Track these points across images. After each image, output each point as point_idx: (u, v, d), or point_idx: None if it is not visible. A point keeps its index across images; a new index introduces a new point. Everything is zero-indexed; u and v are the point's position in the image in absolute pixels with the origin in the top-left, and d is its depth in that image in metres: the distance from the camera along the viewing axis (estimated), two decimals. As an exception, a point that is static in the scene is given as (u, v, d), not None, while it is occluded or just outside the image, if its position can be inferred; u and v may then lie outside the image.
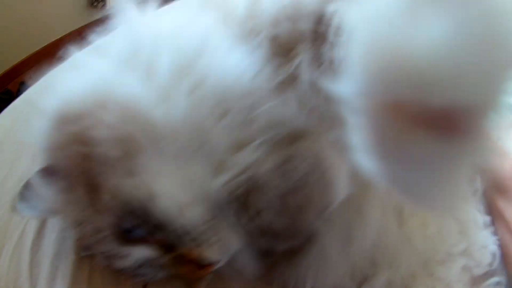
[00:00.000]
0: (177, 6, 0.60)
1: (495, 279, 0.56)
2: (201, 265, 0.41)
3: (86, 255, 0.49)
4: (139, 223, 0.39)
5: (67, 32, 1.95)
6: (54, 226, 0.54)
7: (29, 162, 0.59)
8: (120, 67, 0.43)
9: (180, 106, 0.39)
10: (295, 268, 0.49)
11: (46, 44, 1.99)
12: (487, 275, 0.56)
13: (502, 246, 0.57)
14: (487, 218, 0.57)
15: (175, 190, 0.39)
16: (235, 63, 0.38)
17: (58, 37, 1.96)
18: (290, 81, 0.39)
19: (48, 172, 0.44)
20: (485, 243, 0.57)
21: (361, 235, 0.48)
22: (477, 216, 0.57)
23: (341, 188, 0.42)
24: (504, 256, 0.57)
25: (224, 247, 0.41)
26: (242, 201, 0.40)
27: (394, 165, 0.24)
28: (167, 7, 0.59)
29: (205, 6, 0.45)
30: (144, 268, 0.43)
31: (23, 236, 0.54)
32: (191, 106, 0.39)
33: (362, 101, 0.23)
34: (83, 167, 0.40)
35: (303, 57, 0.38)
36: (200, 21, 0.43)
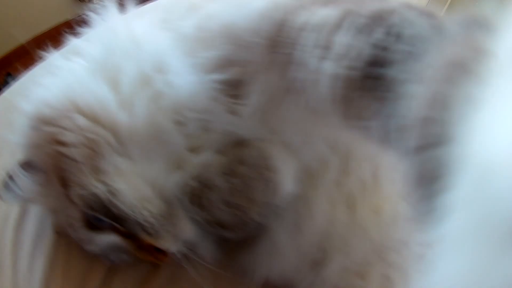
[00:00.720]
0: (149, 11, 0.62)
1: None
2: (158, 252, 0.47)
3: (63, 236, 0.55)
4: (104, 215, 0.45)
5: (54, 25, 1.96)
6: (36, 209, 0.59)
7: (9, 157, 0.62)
8: (93, 72, 0.48)
9: (141, 113, 0.44)
10: (249, 256, 0.55)
11: (33, 36, 1.99)
12: None
13: None
14: None
15: (135, 186, 0.44)
16: (188, 80, 0.43)
17: (46, 30, 1.98)
18: (240, 96, 0.43)
19: (27, 166, 0.50)
20: None
21: (309, 225, 0.52)
22: None
23: (285, 188, 0.47)
24: None
25: (177, 237, 0.47)
26: (194, 197, 0.46)
27: None
28: (142, 9, 0.63)
29: (165, 23, 0.49)
30: (110, 252, 0.49)
31: (7, 219, 0.60)
32: (151, 114, 0.44)
33: None
34: (56, 164, 0.45)
35: (254, 77, 0.41)
36: (160, 37, 0.47)
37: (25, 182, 0.49)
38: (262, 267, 0.55)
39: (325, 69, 0.32)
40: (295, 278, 0.57)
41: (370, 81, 0.29)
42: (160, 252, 0.47)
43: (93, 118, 0.45)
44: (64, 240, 0.57)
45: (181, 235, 0.47)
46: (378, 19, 0.30)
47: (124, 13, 0.54)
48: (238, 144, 0.46)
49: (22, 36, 1.97)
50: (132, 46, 0.47)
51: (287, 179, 0.47)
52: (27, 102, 0.49)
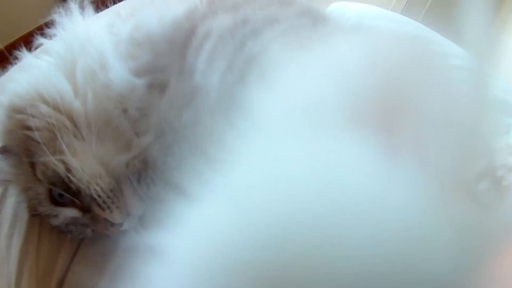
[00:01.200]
0: (107, 14, 0.69)
1: None
2: (110, 224, 0.54)
3: (36, 215, 0.62)
4: (64, 190, 0.52)
5: (36, 27, 2.00)
6: (13, 193, 0.67)
7: None
8: (56, 67, 0.56)
9: (92, 101, 0.52)
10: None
11: (15, 38, 2.04)
12: None
13: None
14: None
15: (88, 164, 0.51)
16: (123, 77, 0.51)
17: (26, 32, 2.01)
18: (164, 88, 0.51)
19: (4, 150, 0.58)
20: None
21: None
22: None
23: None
24: None
25: (126, 211, 0.54)
26: (139, 176, 0.53)
27: None
28: (103, 13, 0.72)
29: (111, 27, 0.57)
30: (71, 226, 0.57)
31: None
32: (101, 102, 0.52)
33: None
34: (25, 147, 0.53)
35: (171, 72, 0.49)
36: (105, 39, 0.55)
37: (2, 164, 0.57)
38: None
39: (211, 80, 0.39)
40: None
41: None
42: (112, 226, 0.54)
43: (54, 106, 0.52)
44: (37, 221, 0.65)
45: (129, 209, 0.54)
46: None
47: (86, 16, 0.62)
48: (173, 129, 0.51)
49: (3, 38, 2.00)
50: (87, 44, 0.55)
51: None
52: (2, 95, 0.57)
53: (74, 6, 0.63)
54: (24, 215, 0.66)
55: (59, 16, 0.61)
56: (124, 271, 0.62)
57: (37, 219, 0.65)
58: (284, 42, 0.39)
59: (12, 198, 0.67)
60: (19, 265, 0.63)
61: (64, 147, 0.51)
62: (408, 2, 1.97)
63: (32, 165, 0.53)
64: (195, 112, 0.47)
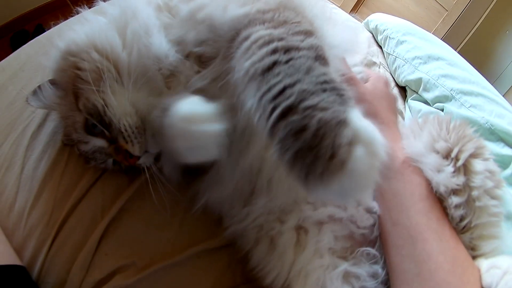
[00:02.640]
0: None
1: (371, 250, 0.61)
2: (129, 156, 0.64)
3: (68, 145, 0.75)
4: (98, 122, 0.63)
5: None
6: (50, 124, 0.80)
7: (40, 80, 0.83)
8: (110, 23, 0.68)
9: (135, 55, 0.63)
10: (199, 182, 0.68)
11: None
12: (368, 242, 0.62)
13: (379, 220, 0.61)
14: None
15: (123, 104, 0.63)
16: (163, 45, 0.62)
17: None
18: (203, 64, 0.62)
19: (53, 82, 0.70)
20: (367, 204, 0.62)
21: (245, 160, 0.62)
22: None
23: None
24: (380, 233, 0.62)
25: (143, 147, 0.64)
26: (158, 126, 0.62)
27: None
28: None
29: (163, 6, 0.68)
30: (97, 153, 0.68)
31: (26, 128, 0.80)
32: (141, 57, 0.63)
33: None
34: (73, 83, 0.65)
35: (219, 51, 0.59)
36: (151, 11, 0.66)
37: (49, 93, 0.70)
38: (207, 193, 0.67)
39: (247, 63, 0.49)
40: (229, 212, 0.69)
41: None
42: (130, 157, 0.64)
43: (104, 54, 0.64)
44: (67, 150, 0.77)
45: (147, 146, 0.65)
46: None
47: None
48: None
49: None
50: (137, 12, 0.66)
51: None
52: (61, 40, 0.68)
53: None
54: (57, 145, 0.78)
55: None
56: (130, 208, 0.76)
57: (67, 149, 0.77)
58: None
59: (49, 129, 0.79)
60: (41, 185, 0.75)
61: (106, 87, 0.62)
62: (450, 30, 1.99)
63: (76, 98, 0.65)
64: (226, 83, 0.57)
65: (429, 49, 1.08)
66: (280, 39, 0.49)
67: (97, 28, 0.67)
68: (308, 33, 0.53)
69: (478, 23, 2.00)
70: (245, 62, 0.49)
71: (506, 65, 2.06)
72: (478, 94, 0.95)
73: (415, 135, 0.64)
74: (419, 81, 1.04)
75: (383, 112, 0.70)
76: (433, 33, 2.03)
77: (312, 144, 0.37)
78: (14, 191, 0.74)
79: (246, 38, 0.52)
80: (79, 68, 0.63)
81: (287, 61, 0.46)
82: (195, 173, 0.69)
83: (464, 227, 0.56)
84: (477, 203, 0.56)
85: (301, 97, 0.41)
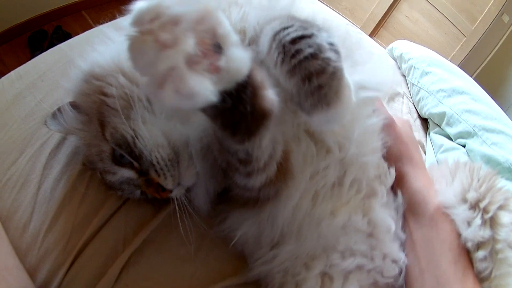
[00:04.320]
0: None
1: None
2: (161, 189, 0.59)
3: (91, 169, 0.67)
4: (126, 153, 0.57)
5: None
6: (71, 143, 0.73)
7: (61, 95, 0.77)
8: None
9: None
10: (232, 218, 0.64)
11: None
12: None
13: (406, 267, 0.60)
14: (401, 234, 0.62)
15: (154, 135, 0.56)
16: None
17: None
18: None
19: (75, 105, 0.63)
20: (394, 255, 0.60)
21: (281, 207, 0.58)
22: (391, 226, 0.60)
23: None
24: (406, 278, 0.60)
25: (176, 181, 0.58)
26: (197, 155, 0.58)
27: None
28: None
29: None
30: (124, 185, 0.62)
31: (44, 145, 0.74)
32: None
33: None
34: (99, 109, 0.58)
35: None
36: None
37: (71, 117, 0.63)
38: (236, 230, 0.63)
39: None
40: (256, 252, 0.65)
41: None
42: (162, 191, 0.59)
43: (132, 80, 0.57)
44: (87, 174, 0.70)
45: (181, 179, 0.59)
46: None
47: None
48: None
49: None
50: None
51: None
52: (83, 61, 0.62)
53: None
54: (78, 166, 0.71)
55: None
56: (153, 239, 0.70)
57: (88, 172, 0.70)
58: None
59: (69, 148, 0.72)
60: (59, 207, 0.68)
61: (137, 116, 0.56)
62: (468, 56, 1.97)
63: (102, 126, 0.58)
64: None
65: (453, 82, 1.04)
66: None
67: (123, 50, 0.58)
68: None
69: (495, 50, 1.98)
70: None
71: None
72: (500, 131, 0.92)
73: (447, 182, 0.63)
74: (442, 115, 1.01)
75: (417, 156, 0.68)
76: (451, 59, 2.01)
77: (327, 83, 0.43)
78: (29, 211, 0.68)
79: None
80: (105, 94, 0.57)
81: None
82: (226, 206, 0.64)
83: (484, 277, 0.56)
84: (499, 255, 0.56)
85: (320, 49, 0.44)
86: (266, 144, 0.46)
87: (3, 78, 0.88)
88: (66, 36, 2.09)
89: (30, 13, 2.14)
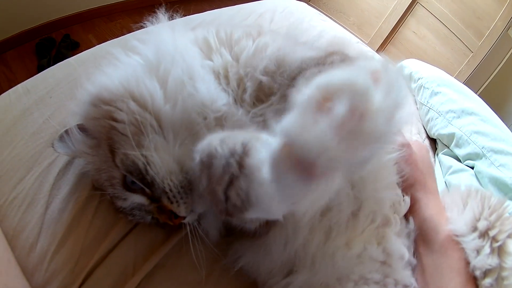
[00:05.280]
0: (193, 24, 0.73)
1: None
2: (174, 216, 0.56)
3: (96, 194, 0.65)
4: (138, 179, 0.54)
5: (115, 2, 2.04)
6: (79, 164, 0.70)
7: (67, 115, 0.74)
8: (147, 70, 0.58)
9: (180, 108, 0.54)
10: (236, 246, 0.62)
11: (95, 6, 2.09)
12: None
13: None
14: (413, 260, 0.61)
15: (166, 161, 0.54)
16: (211, 88, 0.56)
17: (109, 3, 2.06)
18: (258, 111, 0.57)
19: (83, 129, 0.60)
20: (406, 281, 0.59)
21: (292, 241, 0.58)
22: (405, 254, 0.60)
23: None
24: None
25: (189, 208, 0.56)
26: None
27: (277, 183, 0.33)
28: (188, 20, 0.75)
29: (206, 49, 0.62)
30: (136, 210, 0.59)
31: (53, 164, 0.71)
32: (186, 109, 0.54)
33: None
34: (108, 135, 0.55)
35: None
36: (194, 52, 0.60)
37: (79, 140, 0.60)
38: (247, 257, 0.62)
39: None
40: (268, 281, 0.63)
41: None
42: (175, 217, 0.56)
43: (143, 105, 0.55)
44: (96, 197, 0.67)
45: (194, 206, 0.56)
46: None
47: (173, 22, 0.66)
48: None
49: (82, 3, 2.11)
50: (176, 55, 0.57)
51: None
52: (91, 84, 0.59)
53: (163, 17, 0.67)
54: (87, 187, 0.68)
55: (150, 23, 0.65)
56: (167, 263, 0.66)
57: (97, 194, 0.65)
58: None
59: (78, 168, 0.69)
60: (67, 229, 0.66)
61: (147, 142, 0.53)
62: (474, 72, 1.96)
63: (112, 152, 0.55)
64: None
65: (463, 103, 1.02)
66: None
67: (132, 74, 0.58)
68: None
69: (501, 65, 1.97)
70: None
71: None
72: (508, 153, 0.91)
73: (458, 210, 0.63)
74: (451, 136, 0.98)
75: (431, 182, 0.67)
76: (457, 74, 1.99)
77: None
78: (36, 231, 0.65)
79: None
80: (115, 119, 0.54)
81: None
82: (236, 233, 0.61)
83: None
84: (505, 282, 0.56)
85: None
86: None
87: (10, 91, 0.86)
88: (74, 45, 2.06)
89: (39, 20, 2.10)
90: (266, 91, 0.57)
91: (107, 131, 0.55)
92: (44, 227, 0.66)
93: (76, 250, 0.65)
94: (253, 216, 0.40)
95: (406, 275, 0.60)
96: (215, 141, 0.42)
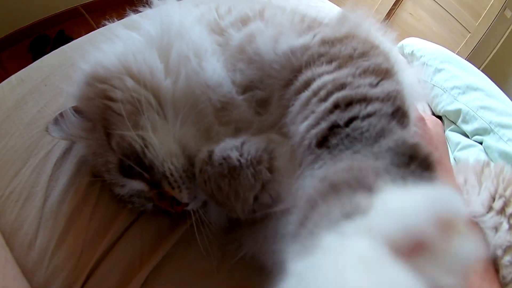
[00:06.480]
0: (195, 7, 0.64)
1: None
2: (176, 203, 0.51)
3: (97, 182, 0.59)
4: (136, 164, 0.49)
5: None
6: (78, 152, 0.63)
7: (62, 104, 0.68)
8: (148, 44, 0.52)
9: (182, 82, 0.49)
10: (248, 232, 0.57)
11: (87, 1, 2.01)
12: None
13: None
14: None
15: (166, 143, 0.48)
16: (218, 71, 0.49)
17: None
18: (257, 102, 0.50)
19: (78, 111, 0.55)
20: None
21: None
22: None
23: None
24: None
25: (193, 194, 0.51)
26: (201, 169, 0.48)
27: None
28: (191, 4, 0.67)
29: (214, 27, 0.55)
30: (135, 198, 0.54)
31: (49, 154, 0.65)
32: (189, 85, 0.49)
33: None
34: (103, 115, 0.50)
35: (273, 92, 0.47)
36: (203, 32, 0.53)
37: (73, 123, 0.55)
38: (255, 247, 0.57)
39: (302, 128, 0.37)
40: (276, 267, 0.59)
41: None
42: (177, 204, 0.51)
43: (141, 82, 0.49)
44: (97, 185, 0.61)
45: (198, 192, 0.51)
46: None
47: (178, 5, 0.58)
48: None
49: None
50: (183, 31, 0.51)
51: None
52: (86, 62, 0.53)
53: None
54: (86, 176, 0.62)
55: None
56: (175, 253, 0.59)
57: (98, 182, 0.61)
58: None
59: (77, 157, 0.64)
60: (67, 223, 0.60)
61: (145, 122, 0.48)
62: (473, 51, 1.93)
63: (108, 134, 0.50)
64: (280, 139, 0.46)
65: (467, 79, 0.97)
66: (343, 86, 0.37)
67: (131, 48, 0.52)
68: (384, 73, 0.38)
69: (498, 45, 1.92)
70: (300, 124, 0.37)
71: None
72: None
73: (474, 191, 0.60)
74: (458, 112, 0.95)
75: (446, 160, 0.63)
76: (458, 53, 1.96)
77: None
78: (35, 227, 0.60)
79: (307, 84, 0.40)
80: (110, 98, 0.49)
81: (348, 123, 0.34)
82: (245, 223, 0.56)
83: (506, 282, 0.55)
84: None
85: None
86: None
87: (3, 83, 0.80)
88: (69, 40, 1.92)
89: (32, 18, 2.01)
90: (260, 99, 0.51)
91: (102, 112, 0.50)
92: (42, 222, 0.61)
93: (78, 245, 0.60)
94: (281, 208, 0.41)
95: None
96: (233, 153, 0.43)
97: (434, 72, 1.04)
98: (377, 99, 0.35)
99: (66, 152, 0.65)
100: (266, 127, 0.48)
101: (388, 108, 0.34)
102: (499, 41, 1.98)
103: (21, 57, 1.99)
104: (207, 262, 0.58)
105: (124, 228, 0.61)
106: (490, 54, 2.01)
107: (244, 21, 0.52)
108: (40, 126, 0.69)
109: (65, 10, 2.07)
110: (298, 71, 0.42)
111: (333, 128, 0.34)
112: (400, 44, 1.20)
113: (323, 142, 0.34)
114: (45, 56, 0.83)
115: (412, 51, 1.12)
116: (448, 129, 1.00)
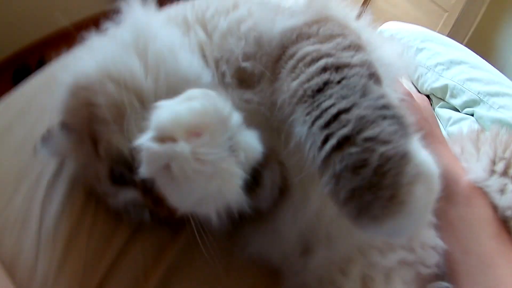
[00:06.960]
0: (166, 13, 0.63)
1: (444, 283, 0.54)
2: (172, 208, 0.46)
3: (92, 198, 0.58)
4: (126, 170, 0.47)
5: (85, 17, 1.99)
6: (69, 169, 0.61)
7: (49, 122, 0.63)
8: (124, 49, 0.51)
9: (163, 80, 0.48)
10: (252, 232, 0.56)
11: (65, 25, 2.04)
12: (436, 277, 0.55)
13: (446, 253, 0.55)
14: (434, 220, 0.56)
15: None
16: (194, 63, 0.49)
17: (81, 19, 2.00)
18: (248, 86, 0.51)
19: (64, 125, 0.53)
20: (431, 242, 0.55)
21: (301, 216, 0.53)
22: None
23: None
24: (448, 264, 0.55)
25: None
26: None
27: None
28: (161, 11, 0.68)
29: (183, 24, 0.55)
30: (130, 206, 0.51)
31: (40, 177, 0.62)
32: (169, 83, 0.48)
33: None
34: (89, 124, 0.48)
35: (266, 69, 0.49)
36: (171, 28, 0.54)
37: (61, 138, 0.53)
38: (260, 245, 0.57)
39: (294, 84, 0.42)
40: (285, 263, 0.57)
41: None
42: (173, 209, 0.46)
43: (122, 83, 0.47)
44: (92, 203, 0.59)
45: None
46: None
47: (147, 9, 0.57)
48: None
49: (53, 24, 2.03)
50: (154, 30, 0.52)
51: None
52: (67, 73, 0.52)
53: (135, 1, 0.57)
54: (80, 194, 0.60)
55: (124, 7, 0.56)
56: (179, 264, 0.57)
57: (93, 199, 0.59)
58: None
59: (68, 176, 0.62)
60: (66, 245, 0.58)
61: (131, 124, 0.46)
62: (453, 29, 1.94)
63: (95, 142, 0.48)
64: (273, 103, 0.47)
65: (449, 54, 0.98)
66: (329, 55, 0.43)
67: (108, 53, 0.51)
68: (358, 48, 0.45)
69: (479, 18, 1.94)
70: (291, 82, 0.42)
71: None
72: (505, 94, 0.88)
73: (473, 158, 0.59)
74: (445, 88, 0.95)
75: (438, 131, 0.62)
76: (438, 31, 1.97)
77: (372, 182, 0.33)
78: (33, 254, 0.57)
79: (292, 55, 0.45)
80: (93, 104, 0.47)
81: (339, 81, 0.40)
82: (247, 220, 0.53)
83: None
84: None
85: (360, 125, 0.35)
86: None
87: None
88: None
89: (12, 47, 2.02)
90: (250, 76, 0.51)
91: (87, 120, 0.48)
92: (40, 247, 0.58)
93: (79, 267, 0.57)
94: None
95: (431, 236, 0.55)
96: None
97: (415, 52, 1.05)
98: (356, 65, 0.42)
99: (57, 172, 0.63)
100: (253, 106, 0.50)
101: (366, 71, 0.42)
102: (478, 14, 1.99)
103: (4, 89, 1.97)
104: (214, 267, 0.55)
105: (123, 242, 0.59)
106: (470, 29, 2.02)
107: (228, 11, 0.54)
108: (28, 149, 0.65)
109: (43, 38, 2.06)
110: (287, 47, 0.47)
111: (326, 83, 0.40)
112: (378, 30, 1.20)
113: (317, 92, 0.40)
114: (28, 80, 0.82)
115: (391, 35, 1.13)
116: (437, 106, 1.00)
